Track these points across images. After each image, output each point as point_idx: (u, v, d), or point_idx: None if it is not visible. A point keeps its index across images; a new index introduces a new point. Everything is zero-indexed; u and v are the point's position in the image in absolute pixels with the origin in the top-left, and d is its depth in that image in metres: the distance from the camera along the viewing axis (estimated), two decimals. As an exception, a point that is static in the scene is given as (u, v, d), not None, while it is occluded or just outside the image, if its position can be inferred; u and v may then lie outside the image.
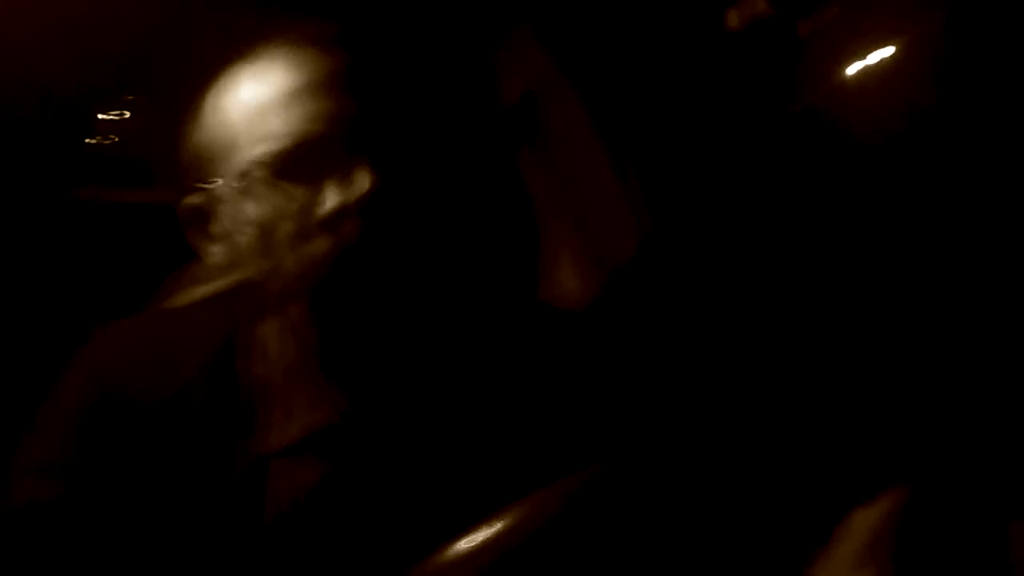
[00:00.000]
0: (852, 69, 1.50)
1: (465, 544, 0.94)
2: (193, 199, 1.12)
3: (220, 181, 1.07)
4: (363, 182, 1.02)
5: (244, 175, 1.05)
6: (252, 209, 1.06)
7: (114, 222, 1.62)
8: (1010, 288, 1.36)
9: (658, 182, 1.54)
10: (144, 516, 1.06)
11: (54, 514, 1.06)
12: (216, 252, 1.12)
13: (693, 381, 1.21)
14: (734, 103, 1.52)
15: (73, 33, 1.46)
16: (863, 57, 1.49)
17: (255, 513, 1.07)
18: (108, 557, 1.06)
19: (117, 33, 1.48)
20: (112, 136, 1.61)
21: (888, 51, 1.49)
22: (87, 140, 1.59)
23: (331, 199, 1.03)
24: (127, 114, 1.60)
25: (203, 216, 1.12)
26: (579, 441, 1.10)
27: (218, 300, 1.21)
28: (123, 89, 1.58)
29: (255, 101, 1.05)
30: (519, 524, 0.94)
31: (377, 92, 1.05)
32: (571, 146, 1.55)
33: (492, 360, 1.15)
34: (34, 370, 1.21)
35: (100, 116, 1.60)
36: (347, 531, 1.07)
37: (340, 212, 1.03)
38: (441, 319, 1.14)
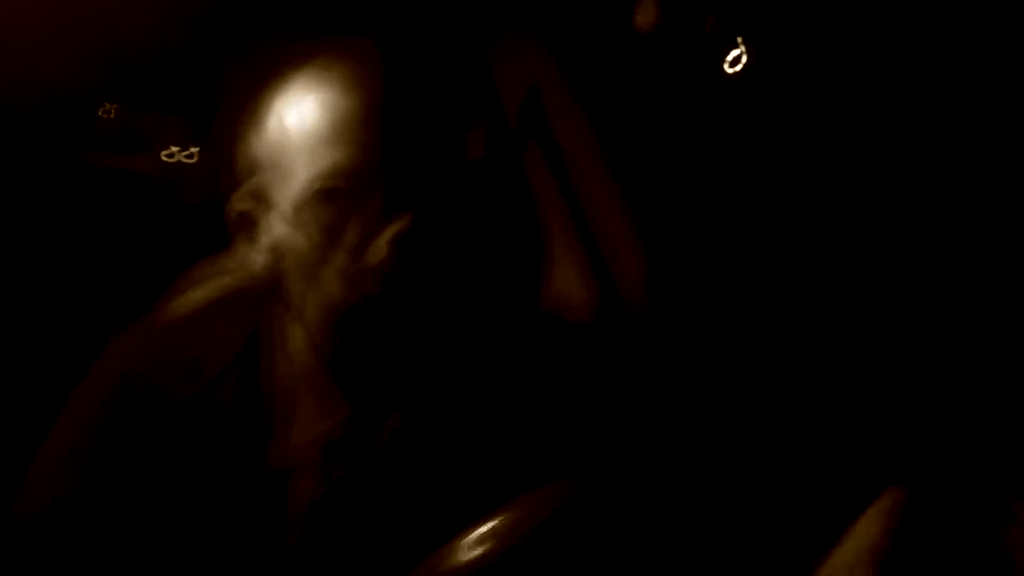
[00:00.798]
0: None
1: (464, 544, 0.95)
2: (244, 202, 1.12)
3: (269, 195, 1.07)
4: (400, 217, 1.02)
5: (291, 195, 1.06)
6: (293, 227, 1.06)
7: (125, 212, 1.63)
8: (1007, 288, 1.37)
9: (661, 184, 1.54)
10: (166, 514, 1.08)
11: (78, 512, 1.07)
12: (257, 257, 1.12)
13: (693, 385, 1.21)
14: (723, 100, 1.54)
15: (73, 31, 1.47)
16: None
17: (275, 514, 1.08)
18: (130, 554, 1.07)
19: (118, 31, 1.48)
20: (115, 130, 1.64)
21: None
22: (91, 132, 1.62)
23: (366, 232, 1.04)
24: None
25: (250, 220, 1.12)
26: (578, 446, 1.11)
27: (243, 299, 1.21)
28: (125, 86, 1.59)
29: (312, 123, 1.05)
30: (517, 525, 0.95)
31: (417, 122, 1.05)
32: (573, 149, 1.55)
33: (496, 368, 1.16)
34: (49, 368, 1.22)
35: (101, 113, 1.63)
36: (360, 533, 1.08)
37: (373, 246, 1.03)
38: (452, 329, 1.14)
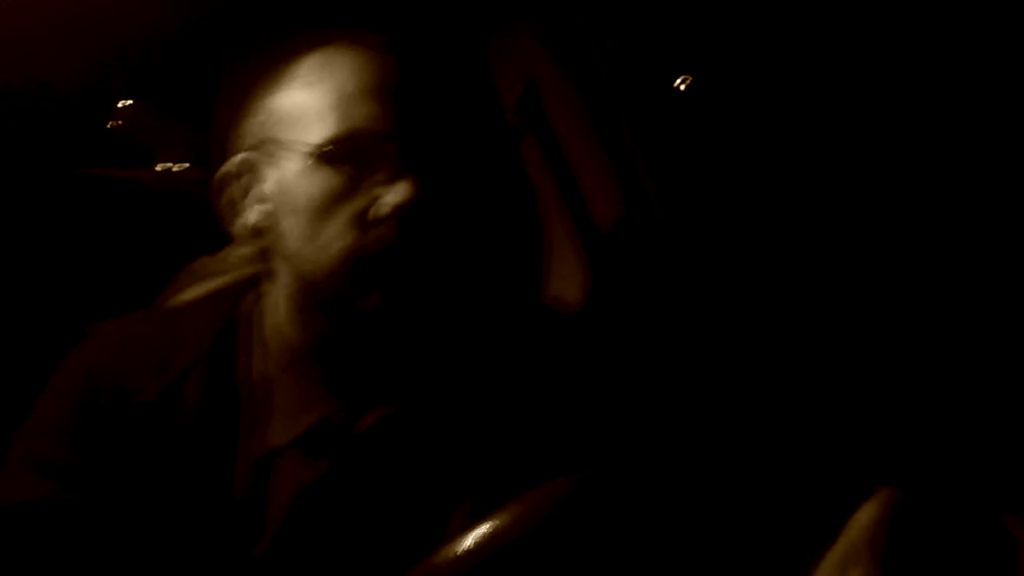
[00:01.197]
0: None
1: (460, 544, 0.95)
2: (242, 161, 1.12)
3: (279, 151, 1.08)
4: (407, 189, 1.05)
5: (306, 152, 1.06)
6: (302, 185, 1.07)
7: (118, 218, 1.65)
8: (1005, 290, 1.38)
9: (660, 177, 1.55)
10: (140, 514, 1.07)
11: (47, 513, 1.07)
12: (247, 217, 1.12)
13: (691, 382, 1.22)
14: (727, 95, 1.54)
15: (74, 29, 1.47)
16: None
17: (254, 512, 1.08)
18: (102, 557, 1.06)
19: (119, 28, 1.48)
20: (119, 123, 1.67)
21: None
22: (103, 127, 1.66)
23: (374, 199, 1.06)
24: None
25: (246, 179, 1.12)
26: (576, 442, 1.10)
27: (215, 297, 1.22)
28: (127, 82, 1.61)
29: (340, 83, 1.07)
30: (514, 524, 0.95)
31: (426, 102, 1.09)
32: (570, 142, 1.56)
33: (491, 360, 1.16)
34: (29, 365, 1.21)
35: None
36: (345, 530, 1.08)
37: (379, 212, 1.06)
38: (445, 319, 1.14)
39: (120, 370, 1.11)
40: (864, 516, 0.91)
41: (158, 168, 1.78)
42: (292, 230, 1.08)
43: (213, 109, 1.19)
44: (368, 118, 1.06)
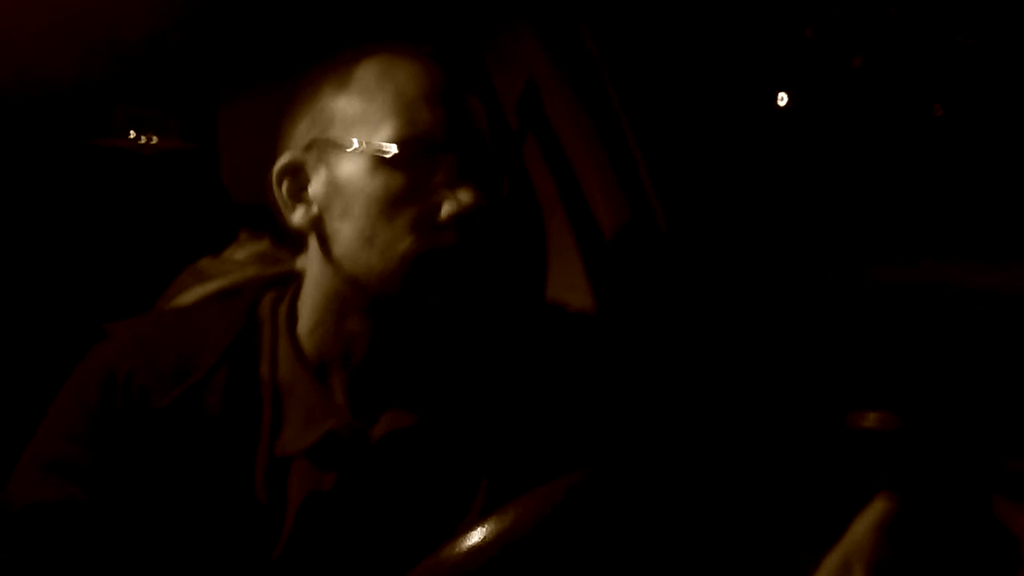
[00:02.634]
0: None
1: (462, 543, 0.95)
2: (302, 154, 1.11)
3: (352, 143, 1.07)
4: (469, 194, 1.06)
5: (367, 154, 1.06)
6: (360, 187, 1.06)
7: (118, 219, 1.66)
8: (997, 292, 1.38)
9: (661, 179, 1.55)
10: (157, 517, 1.06)
11: (63, 515, 1.06)
12: (300, 213, 1.11)
13: (693, 382, 1.22)
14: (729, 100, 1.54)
15: (73, 28, 1.47)
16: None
17: (271, 516, 1.07)
18: (118, 560, 1.06)
19: (117, 28, 1.49)
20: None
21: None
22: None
23: (436, 202, 1.06)
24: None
25: (304, 173, 1.11)
26: (579, 441, 1.11)
27: (228, 298, 1.21)
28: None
29: (397, 92, 1.07)
30: (515, 523, 0.95)
31: (475, 110, 1.11)
32: (572, 142, 1.56)
33: (497, 361, 1.16)
34: (42, 366, 1.21)
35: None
36: (358, 534, 1.08)
37: (443, 216, 1.06)
38: (461, 323, 1.15)
39: (139, 372, 1.10)
40: (863, 521, 0.92)
41: (142, 140, 1.85)
42: (344, 231, 1.08)
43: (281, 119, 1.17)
44: (430, 123, 1.06)
